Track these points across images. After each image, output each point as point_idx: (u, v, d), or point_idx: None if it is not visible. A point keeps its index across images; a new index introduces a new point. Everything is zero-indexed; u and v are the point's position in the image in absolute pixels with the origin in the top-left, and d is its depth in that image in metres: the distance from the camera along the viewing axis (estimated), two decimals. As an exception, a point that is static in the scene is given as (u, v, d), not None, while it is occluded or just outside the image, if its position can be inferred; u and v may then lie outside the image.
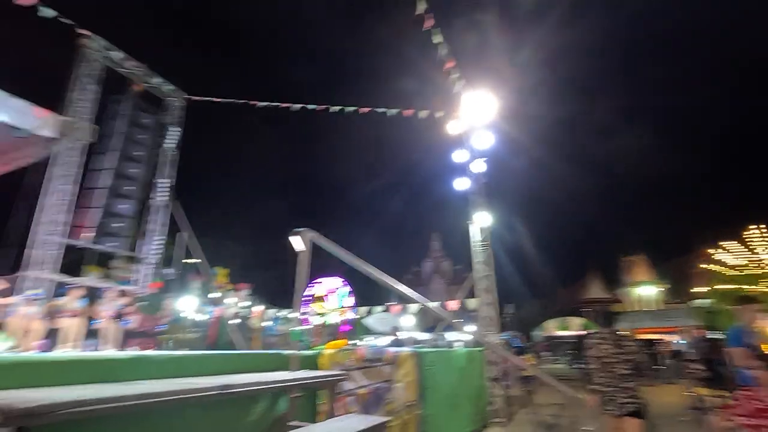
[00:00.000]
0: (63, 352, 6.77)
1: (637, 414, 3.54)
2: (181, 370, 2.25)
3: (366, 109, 11.79)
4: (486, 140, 9.73)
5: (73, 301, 8.06)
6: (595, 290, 41.53)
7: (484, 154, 9.98)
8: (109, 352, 6.99)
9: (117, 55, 11.47)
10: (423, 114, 11.29)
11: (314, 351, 3.53)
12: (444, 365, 6.60)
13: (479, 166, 9.84)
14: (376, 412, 4.07)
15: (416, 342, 24.80)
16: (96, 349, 8.28)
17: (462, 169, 10.29)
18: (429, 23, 8.98)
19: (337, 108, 12.04)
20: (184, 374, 2.24)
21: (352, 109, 11.94)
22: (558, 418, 7.33)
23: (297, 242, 3.29)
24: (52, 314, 7.74)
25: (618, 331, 3.89)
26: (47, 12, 9.40)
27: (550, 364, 24.93)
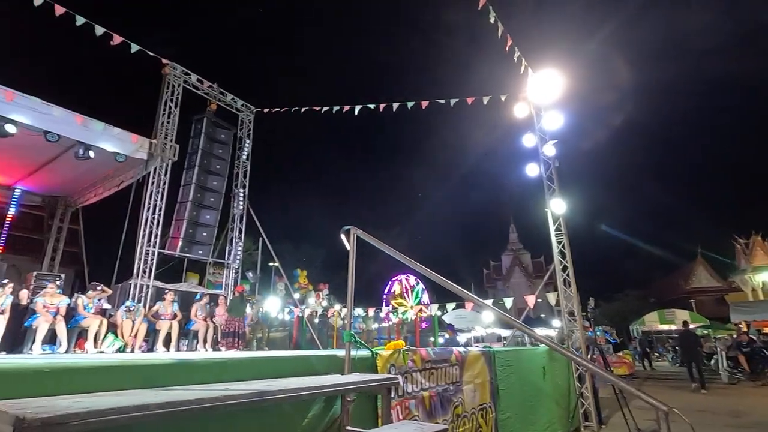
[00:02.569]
0: (110, 356, 7.42)
1: None
2: (226, 375, 2.26)
3: (426, 102, 11.51)
4: (556, 121, 8.96)
5: (169, 305, 8.91)
6: (703, 278, 36.73)
7: (555, 135, 9.21)
8: (156, 355, 7.54)
9: (193, 78, 12.50)
10: (486, 99, 10.73)
11: (373, 352, 3.42)
12: (521, 364, 6.15)
13: (551, 149, 9.10)
14: (442, 416, 3.86)
15: (499, 338, 23.92)
16: (190, 349, 9.07)
17: (533, 154, 9.60)
18: (483, 1, 8.48)
19: (396, 104, 11.91)
20: (230, 379, 2.24)
21: (411, 103, 11.74)
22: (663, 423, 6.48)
23: (345, 241, 3.21)
24: (153, 317, 8.62)
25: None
26: (136, 47, 10.50)
27: (651, 361, 22.54)
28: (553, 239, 8.75)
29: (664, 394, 11.25)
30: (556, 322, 25.26)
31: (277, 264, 16.71)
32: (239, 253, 13.64)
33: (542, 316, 26.10)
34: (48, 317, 6.81)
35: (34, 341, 6.65)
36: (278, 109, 13.74)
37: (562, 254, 8.62)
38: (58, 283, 8.14)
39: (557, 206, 8.73)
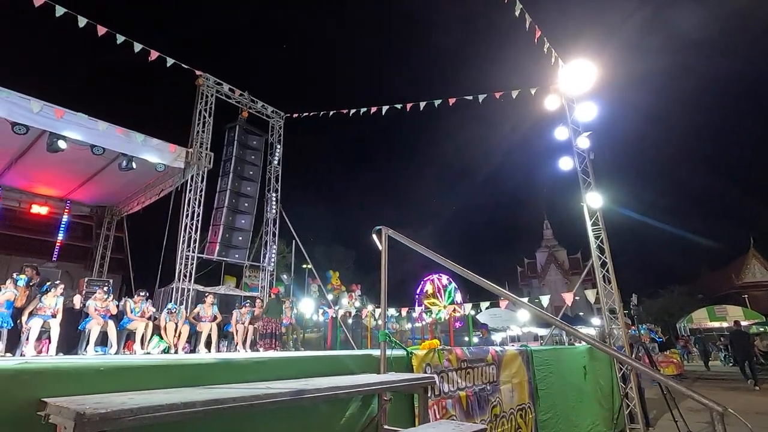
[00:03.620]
0: (158, 356, 7.68)
1: None
2: (266, 374, 2.32)
3: (453, 100, 11.40)
4: (590, 112, 8.66)
5: (209, 307, 9.24)
6: (757, 271, 34.48)
7: (589, 127, 8.91)
8: (201, 355, 7.78)
9: (225, 88, 12.91)
10: (515, 93, 10.50)
11: (408, 352, 3.42)
12: (561, 364, 5.98)
13: (585, 142, 8.80)
14: (480, 416, 3.81)
15: (536, 338, 23.34)
16: (229, 350, 9.36)
17: (566, 147, 9.33)
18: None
19: (423, 104, 11.86)
20: (269, 378, 2.30)
21: (438, 101, 11.66)
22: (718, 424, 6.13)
23: (377, 240, 3.22)
24: (194, 320, 8.96)
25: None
26: (171, 61, 10.96)
27: (699, 360, 21.36)
28: (591, 234, 8.46)
29: (717, 395, 10.64)
30: (595, 321, 24.40)
31: (310, 266, 17.01)
32: (273, 255, 13.96)
33: (581, 314, 25.27)
34: (99, 320, 7.21)
35: (87, 343, 7.06)
36: (307, 113, 14.00)
37: (601, 250, 8.32)
38: (106, 288, 8.60)
39: (594, 200, 8.43)
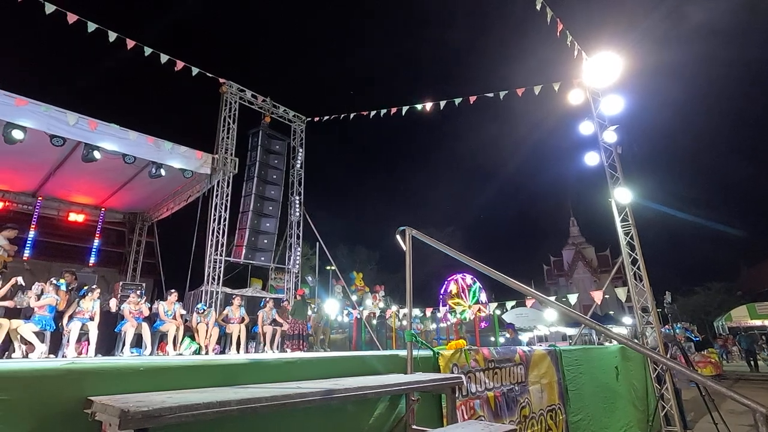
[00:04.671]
0: (193, 357, 7.87)
1: None
2: (296, 374, 2.36)
3: (474, 98, 11.30)
4: (616, 105, 8.42)
5: (237, 309, 9.45)
6: (802, 267, 32.80)
7: (616, 120, 8.67)
8: (233, 355, 7.93)
9: (248, 94, 13.19)
10: (537, 89, 10.32)
11: (435, 352, 3.41)
12: (591, 364, 5.85)
13: (611, 136, 8.57)
14: (509, 417, 3.76)
15: (564, 337, 22.83)
16: (257, 351, 9.55)
17: (592, 142, 9.10)
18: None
19: (443, 102, 11.80)
20: (299, 378, 2.35)
21: (459, 100, 11.57)
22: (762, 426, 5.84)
23: (401, 241, 3.23)
24: (223, 321, 9.18)
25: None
26: (196, 70, 11.29)
27: (739, 360, 20.39)
28: (620, 231, 8.23)
29: (762, 396, 10.17)
30: (627, 319, 23.67)
31: (334, 267, 17.16)
32: (298, 258, 14.16)
33: (611, 313, 24.58)
34: (134, 323, 7.49)
35: (123, 344, 7.34)
36: (328, 116, 14.13)
37: (631, 246, 8.08)
38: (139, 292, 8.92)
39: (622, 195, 8.20)
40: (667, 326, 8.63)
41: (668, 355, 7.15)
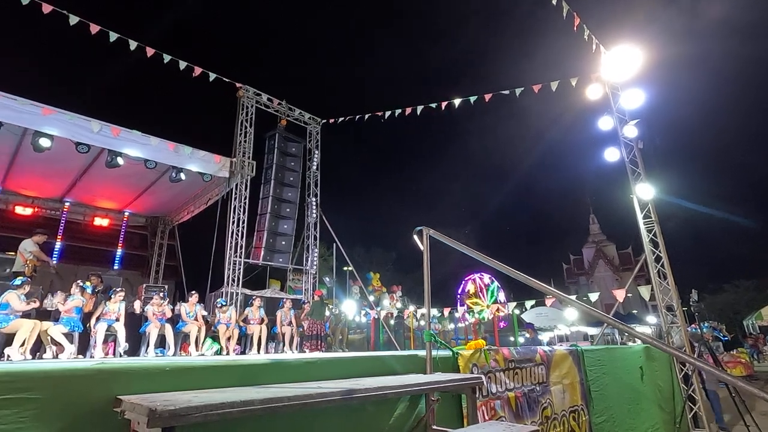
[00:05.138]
0: (216, 357, 8.00)
1: None
2: (316, 374, 2.38)
3: (489, 96, 11.19)
4: (636, 99, 8.24)
5: (257, 310, 9.58)
6: (837, 263, 31.44)
7: (636, 115, 8.48)
8: (254, 356, 8.02)
9: (264, 98, 13.36)
10: (554, 85, 10.16)
11: (454, 352, 3.40)
12: (615, 364, 5.72)
13: (632, 131, 8.38)
14: (530, 418, 3.71)
15: (585, 337, 22.41)
16: (277, 352, 9.66)
17: (612, 138, 8.92)
18: (544, -17, 8.07)
19: (459, 101, 11.72)
20: (319, 378, 2.37)
21: (474, 98, 11.48)
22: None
23: (418, 241, 3.23)
24: (243, 322, 9.32)
25: None
26: (213, 75, 11.50)
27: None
28: (642, 228, 8.03)
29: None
30: (650, 318, 23.07)
31: (351, 268, 17.24)
32: (315, 259, 14.26)
33: (634, 312, 24.02)
34: (157, 324, 7.67)
35: (148, 345, 7.52)
36: (342, 118, 14.20)
37: (654, 243, 7.89)
38: (162, 294, 9.12)
39: (644, 191, 8.01)
40: (693, 325, 8.35)
41: (695, 356, 6.95)
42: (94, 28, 9.10)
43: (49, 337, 6.47)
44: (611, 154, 8.76)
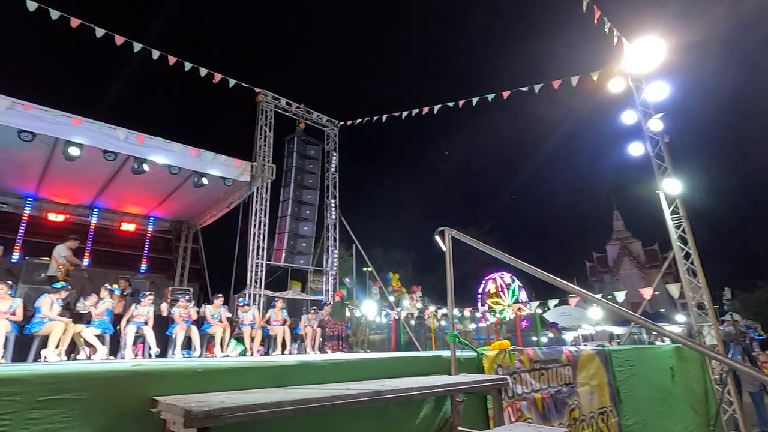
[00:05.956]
0: (244, 358, 8.09)
1: None
2: (342, 375, 2.40)
3: (507, 93, 11.05)
4: (661, 92, 8.01)
5: (279, 311, 9.70)
6: None
7: (661, 108, 8.24)
8: (282, 357, 8.11)
9: (282, 102, 13.53)
10: (575, 80, 9.96)
11: (478, 353, 3.37)
12: (644, 364, 5.57)
13: (657, 124, 8.15)
14: (558, 420, 3.65)
15: (611, 337, 21.89)
16: (299, 352, 9.76)
17: (636, 132, 8.71)
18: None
19: (476, 99, 11.63)
20: (345, 378, 2.39)
21: (492, 95, 11.36)
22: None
23: (440, 242, 3.21)
24: (266, 324, 9.45)
25: None
26: (233, 81, 11.72)
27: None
28: (670, 224, 7.80)
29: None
30: (680, 317, 22.36)
31: (370, 269, 17.29)
32: (335, 260, 14.36)
33: (662, 310, 23.31)
34: (183, 326, 7.86)
35: (174, 346, 7.71)
36: (360, 119, 14.26)
37: (683, 240, 7.65)
38: (188, 297, 9.33)
39: (672, 186, 7.78)
40: (726, 324, 8.05)
41: (729, 356, 6.70)
42: (120, 40, 9.40)
43: (82, 339, 6.70)
44: (635, 149, 8.55)
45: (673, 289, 8.91)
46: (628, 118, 8.62)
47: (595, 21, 8.53)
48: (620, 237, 43.03)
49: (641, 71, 8.45)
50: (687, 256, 7.61)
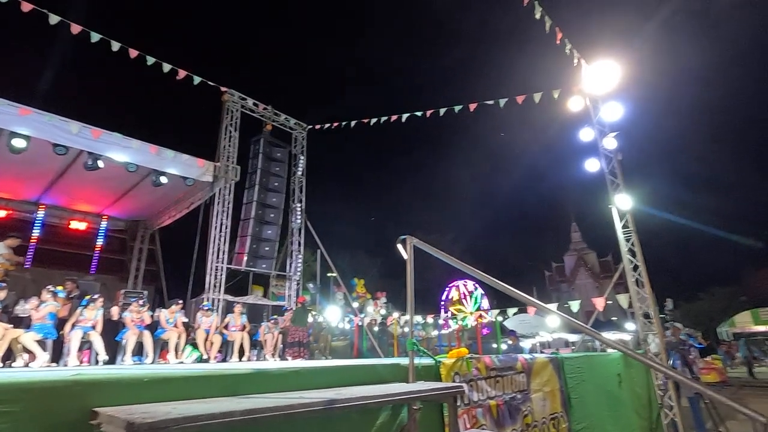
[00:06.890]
0: (196, 366, 7.85)
1: None
2: (298, 383, 2.37)
3: (473, 105, 11.36)
4: (616, 112, 8.49)
5: (238, 317, 9.44)
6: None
7: (616, 127, 8.72)
8: (236, 365, 7.92)
9: (249, 103, 13.28)
10: (537, 96, 10.38)
11: (436, 360, 3.42)
12: (593, 371, 5.83)
13: (612, 142, 8.61)
14: (511, 426, 3.75)
15: (567, 344, 22.71)
16: (258, 359, 9.52)
17: (592, 149, 9.16)
18: (527, -2, 8.28)
19: (443, 110, 11.87)
20: (302, 387, 2.36)
21: (459, 107, 11.64)
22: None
23: (402, 250, 3.24)
24: (224, 329, 9.17)
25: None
26: (198, 79, 11.39)
27: (743, 366, 20.22)
28: (621, 237, 8.24)
29: (765, 405, 10.09)
30: (630, 325, 23.53)
31: (335, 274, 17.14)
32: (299, 265, 14.17)
33: (613, 319, 24.46)
34: (135, 331, 7.48)
35: (124, 353, 7.33)
36: (329, 124, 14.20)
37: (632, 252, 8.09)
38: (141, 301, 8.92)
39: (623, 202, 8.23)
40: (669, 332, 8.59)
41: (669, 363, 7.13)
42: (76, 29, 8.94)
43: (19, 345, 6.25)
44: (592, 165, 8.98)
45: (623, 299, 9.38)
46: (586, 135, 9.06)
47: (558, 41, 8.94)
48: (577, 248, 44.92)
49: (598, 92, 8.92)
50: (635, 267, 8.05)
